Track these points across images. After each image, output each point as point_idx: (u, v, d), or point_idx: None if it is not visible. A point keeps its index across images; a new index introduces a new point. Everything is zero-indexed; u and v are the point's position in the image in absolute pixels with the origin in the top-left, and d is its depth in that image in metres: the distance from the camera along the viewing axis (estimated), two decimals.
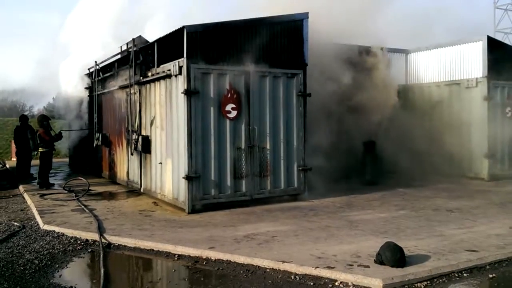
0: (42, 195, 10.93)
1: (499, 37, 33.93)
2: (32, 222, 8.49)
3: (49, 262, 6.15)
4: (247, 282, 5.36)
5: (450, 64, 13.65)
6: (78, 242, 7.09)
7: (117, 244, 6.95)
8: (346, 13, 10.84)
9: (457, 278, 5.39)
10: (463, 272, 5.54)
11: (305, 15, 9.78)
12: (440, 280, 5.31)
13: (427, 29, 13.97)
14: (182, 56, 8.74)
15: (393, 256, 5.53)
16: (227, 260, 6.04)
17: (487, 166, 12.70)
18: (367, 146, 12.16)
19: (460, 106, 13.30)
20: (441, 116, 13.66)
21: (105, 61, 13.14)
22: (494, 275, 5.52)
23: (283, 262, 5.74)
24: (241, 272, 5.67)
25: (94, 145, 13.77)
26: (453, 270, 5.52)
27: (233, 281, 5.38)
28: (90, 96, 14.84)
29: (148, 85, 10.53)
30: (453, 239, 6.76)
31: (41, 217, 8.58)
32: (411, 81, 14.83)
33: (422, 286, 5.15)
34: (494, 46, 12.80)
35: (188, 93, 8.64)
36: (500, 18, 41.16)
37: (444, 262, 5.69)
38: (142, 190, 10.85)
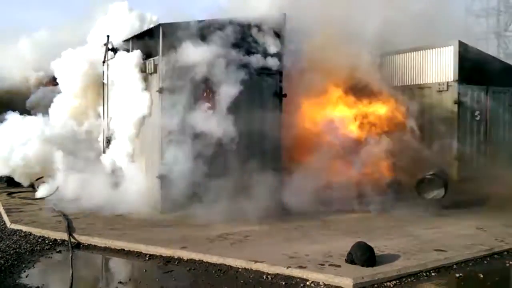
0: (9, 194, 10.64)
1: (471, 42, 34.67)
2: None
3: (16, 262, 5.99)
4: (219, 282, 5.34)
5: (422, 68, 13.91)
6: (46, 241, 6.93)
7: (86, 244, 6.82)
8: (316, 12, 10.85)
9: (425, 278, 5.51)
10: (431, 271, 5.66)
11: (282, 15, 9.79)
12: (409, 279, 5.41)
13: (400, 32, 14.15)
14: (157, 54, 8.64)
15: (364, 255, 5.61)
16: (199, 260, 6.01)
17: (456, 168, 12.99)
18: None
19: (431, 109, 13.57)
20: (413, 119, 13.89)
21: None
22: (460, 274, 5.66)
23: (255, 262, 5.74)
24: (213, 272, 5.65)
25: None
26: (421, 269, 5.64)
27: (205, 281, 5.36)
28: None
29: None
30: (423, 239, 6.91)
31: (8, 215, 8.36)
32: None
33: (391, 285, 5.24)
34: (465, 51, 13.12)
35: (163, 91, 8.55)
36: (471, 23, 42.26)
37: (413, 261, 5.81)
38: None
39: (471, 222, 8.11)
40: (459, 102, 12.99)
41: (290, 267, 5.55)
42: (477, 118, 13.57)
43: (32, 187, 10.88)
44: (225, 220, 7.97)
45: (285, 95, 9.78)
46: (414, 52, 14.16)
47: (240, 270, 5.67)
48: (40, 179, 10.76)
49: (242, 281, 5.33)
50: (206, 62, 8.71)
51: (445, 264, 5.87)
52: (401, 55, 14.57)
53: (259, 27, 9.51)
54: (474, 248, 6.46)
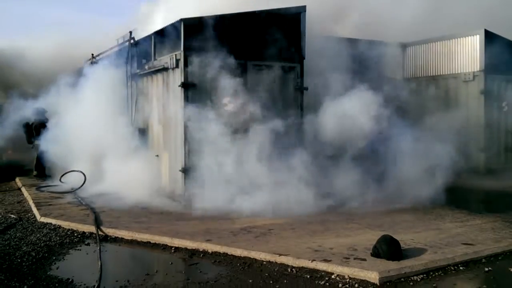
0: (38, 187, 10.91)
1: None
2: (29, 214, 8.49)
3: (46, 254, 6.16)
4: (243, 274, 5.38)
5: (447, 57, 13.64)
6: (75, 234, 7.10)
7: (114, 237, 6.96)
8: (341, 5, 10.73)
9: (453, 272, 5.43)
10: (459, 265, 5.57)
11: (303, 8, 9.72)
12: (436, 273, 5.34)
13: (425, 22, 13.88)
14: (179, 49, 8.70)
15: (390, 249, 5.56)
16: (224, 253, 6.06)
17: (483, 160, 12.73)
18: None
19: (457, 99, 13.32)
20: (438, 109, 13.66)
21: (101, 53, 13.06)
22: (490, 268, 5.55)
23: (280, 255, 5.76)
24: (238, 264, 5.69)
25: None
26: (449, 263, 5.56)
27: (230, 274, 5.40)
28: None
29: (145, 78, 10.49)
30: (450, 233, 6.80)
31: (37, 209, 8.57)
32: (409, 75, 14.81)
33: (418, 279, 5.18)
34: (491, 40, 12.79)
35: (185, 86, 8.62)
36: None
37: (440, 255, 5.73)
38: None
39: (498, 215, 7.94)
40: (485, 93, 12.71)
41: (315, 260, 5.55)
42: (505, 109, 13.25)
43: (61, 181, 11.12)
44: (249, 213, 8.03)
45: (306, 89, 9.74)
46: (439, 42, 13.90)
47: (264, 263, 5.70)
48: (68, 173, 11.00)
49: (266, 274, 5.36)
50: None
51: (473, 258, 5.77)
52: (425, 45, 14.33)
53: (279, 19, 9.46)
54: (503, 242, 6.33)
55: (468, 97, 13.03)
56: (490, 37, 12.81)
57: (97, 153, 11.58)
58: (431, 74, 14.07)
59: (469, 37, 13.04)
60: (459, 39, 13.34)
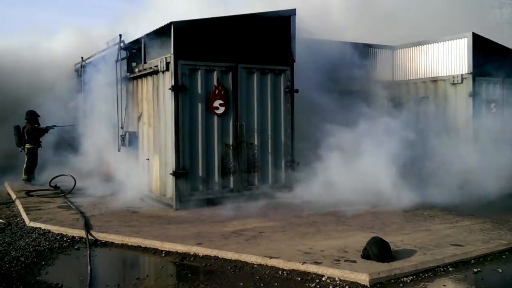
0: (28, 192, 10.80)
1: None
2: (18, 219, 8.40)
3: (35, 260, 6.10)
4: (234, 278, 5.38)
5: (436, 60, 13.76)
6: (65, 239, 7.04)
7: (104, 241, 6.91)
8: (330, 9, 10.80)
9: (443, 273, 5.47)
10: (449, 266, 5.62)
11: (293, 12, 9.78)
12: (426, 275, 5.38)
13: (413, 25, 14.01)
14: (170, 52, 8.70)
15: (380, 251, 5.59)
16: (214, 256, 6.05)
17: (472, 162, 12.81)
18: None
19: (445, 102, 13.43)
20: (427, 112, 13.76)
21: (91, 56, 12.99)
22: (478, 269, 5.61)
23: (271, 257, 5.76)
24: (229, 268, 5.68)
25: None
26: (438, 264, 5.60)
27: (221, 277, 5.39)
28: None
29: (135, 81, 10.46)
30: (439, 234, 6.86)
31: (27, 214, 8.49)
32: (398, 78, 14.92)
33: (408, 281, 5.22)
34: (479, 43, 12.93)
35: (176, 89, 8.61)
36: None
37: (430, 256, 5.77)
38: None
39: (487, 216, 8.02)
40: (474, 95, 12.84)
41: (305, 263, 5.56)
42: (493, 111, 13.39)
43: (50, 185, 11.03)
44: (239, 216, 8.04)
45: (296, 91, 9.79)
46: (428, 45, 14.01)
47: (255, 266, 5.70)
48: (57, 177, 10.93)
49: (257, 277, 5.36)
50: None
51: (462, 259, 5.82)
52: (414, 48, 14.44)
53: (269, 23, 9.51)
54: (492, 243, 6.40)
55: (457, 99, 13.14)
56: (478, 40, 12.96)
57: (88, 157, 11.56)
58: (420, 77, 14.17)
59: (457, 40, 13.18)
60: (447, 42, 13.47)
